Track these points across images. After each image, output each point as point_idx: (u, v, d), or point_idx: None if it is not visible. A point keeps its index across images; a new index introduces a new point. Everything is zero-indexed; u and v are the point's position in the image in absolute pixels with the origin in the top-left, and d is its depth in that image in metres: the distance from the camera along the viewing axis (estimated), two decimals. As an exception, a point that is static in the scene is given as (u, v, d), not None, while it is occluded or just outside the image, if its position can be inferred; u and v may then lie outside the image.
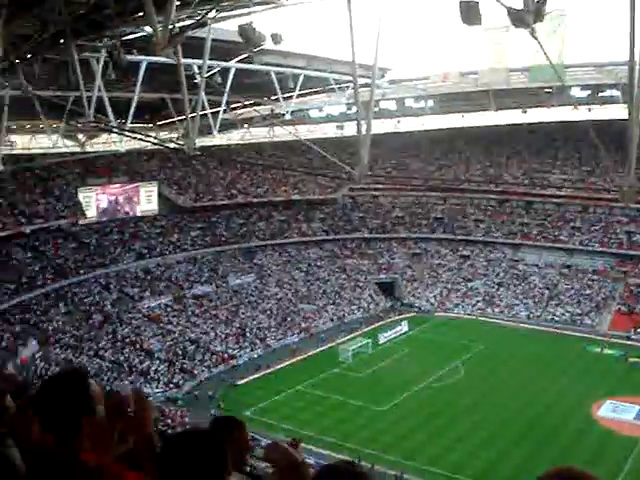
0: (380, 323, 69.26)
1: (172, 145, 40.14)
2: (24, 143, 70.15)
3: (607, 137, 59.12)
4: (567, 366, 57.67)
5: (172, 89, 45.23)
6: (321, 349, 62.02)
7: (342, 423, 45.94)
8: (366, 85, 41.26)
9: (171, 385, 52.96)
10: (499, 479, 37.88)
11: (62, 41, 25.20)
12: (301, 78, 46.81)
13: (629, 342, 63.29)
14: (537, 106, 72.39)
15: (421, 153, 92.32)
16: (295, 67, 46.82)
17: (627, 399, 50.43)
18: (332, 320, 70.06)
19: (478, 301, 75.05)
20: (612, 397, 51.01)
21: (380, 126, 72.86)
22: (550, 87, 63.64)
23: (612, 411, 48.68)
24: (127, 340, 57.95)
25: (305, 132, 74.44)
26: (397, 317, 71.29)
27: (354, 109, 53.04)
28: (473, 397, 50.74)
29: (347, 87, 53.09)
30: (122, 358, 55.13)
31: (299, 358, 59.63)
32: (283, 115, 52.43)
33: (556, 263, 78.24)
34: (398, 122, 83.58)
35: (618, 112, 59.65)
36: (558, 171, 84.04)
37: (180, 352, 57.97)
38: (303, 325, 67.53)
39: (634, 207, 73.43)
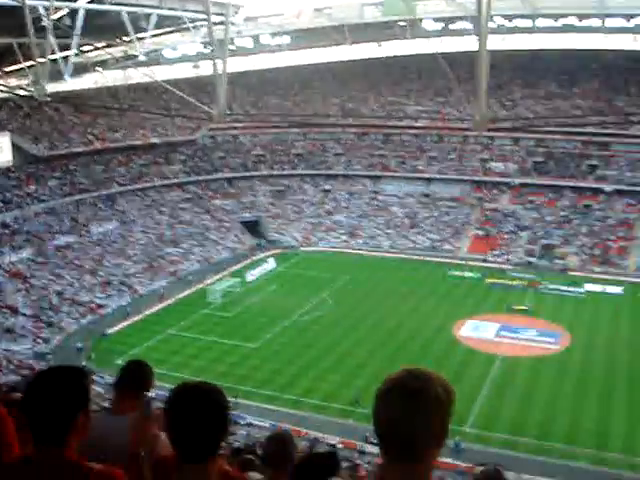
0: (247, 262, 69.56)
1: (21, 92, 38.65)
2: None
3: (459, 68, 60.88)
4: (430, 291, 60.26)
5: (19, 33, 43.07)
6: (190, 292, 61.79)
7: (216, 363, 46.23)
8: (221, 23, 40.80)
9: (39, 340, 51.60)
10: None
11: None
12: (153, 17, 45.58)
13: (486, 264, 66.75)
14: (391, 39, 73.26)
15: (279, 90, 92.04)
16: (146, 6, 45.48)
17: (486, 318, 53.33)
18: (199, 262, 69.81)
19: (342, 234, 76.46)
20: (473, 317, 53.71)
21: (237, 64, 71.95)
22: (404, 20, 64.48)
23: (473, 330, 51.31)
24: (-11, 298, 55.97)
25: (161, 73, 72.63)
26: (263, 255, 71.71)
27: (210, 48, 52.19)
28: (342, 327, 52.15)
29: (202, 25, 52.05)
30: (-16, 316, 53.29)
31: (168, 302, 59.23)
32: (137, 56, 51.02)
33: (415, 192, 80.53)
34: (255, 59, 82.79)
35: (469, 44, 61.12)
36: (414, 103, 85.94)
37: (46, 306, 56.49)
38: (170, 269, 67.01)
39: (487, 135, 76.35)
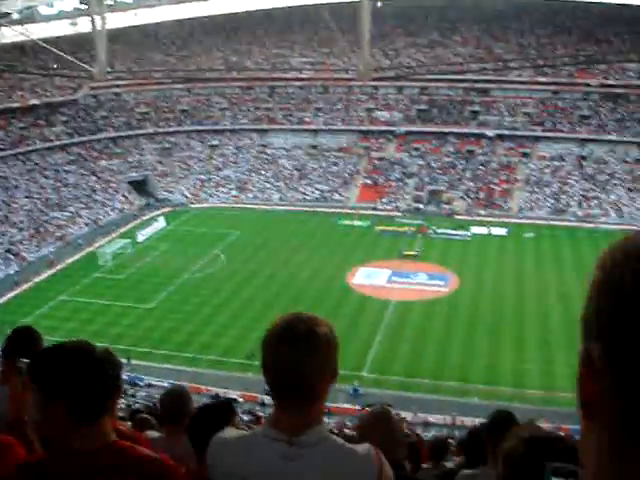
0: (137, 222, 68.48)
1: None
2: None
3: (342, 19, 61.19)
4: (322, 241, 60.95)
5: None
6: (79, 256, 60.48)
7: (111, 326, 45.67)
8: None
9: None
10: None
11: None
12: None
13: (375, 212, 67.96)
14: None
15: (161, 45, 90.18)
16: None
17: (378, 264, 54.44)
18: (87, 225, 68.32)
19: (231, 189, 76.14)
20: (365, 265, 54.69)
21: (116, 20, 69.93)
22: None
23: (366, 278, 52.31)
24: None
25: (37, 31, 69.83)
26: (153, 214, 70.73)
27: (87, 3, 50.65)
28: (236, 282, 52.38)
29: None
30: None
31: (58, 268, 57.91)
32: (10, 14, 49.02)
33: (303, 144, 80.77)
34: (135, 14, 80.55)
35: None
36: (298, 54, 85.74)
37: None
38: (58, 234, 65.38)
39: (371, 85, 77.13)
